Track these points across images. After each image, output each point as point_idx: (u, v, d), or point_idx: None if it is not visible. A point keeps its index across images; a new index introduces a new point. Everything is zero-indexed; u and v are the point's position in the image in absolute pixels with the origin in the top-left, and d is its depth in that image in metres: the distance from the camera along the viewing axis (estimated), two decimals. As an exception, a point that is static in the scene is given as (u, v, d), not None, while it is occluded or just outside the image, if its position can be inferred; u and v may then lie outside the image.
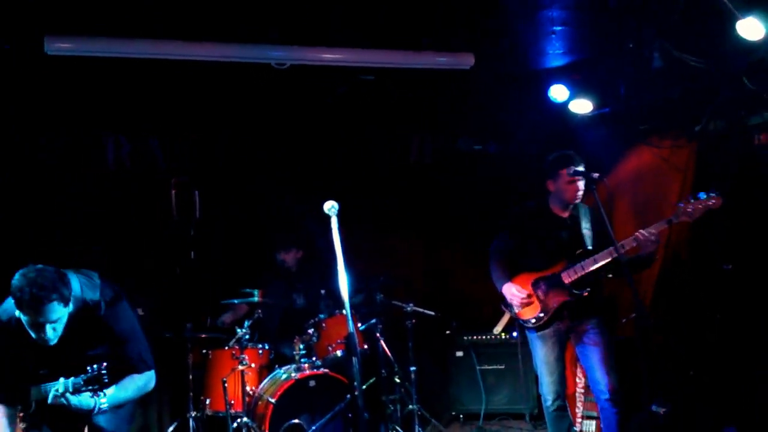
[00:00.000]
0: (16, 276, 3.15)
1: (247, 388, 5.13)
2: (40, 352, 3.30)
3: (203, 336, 5.53)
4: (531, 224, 4.60)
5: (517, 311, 4.51)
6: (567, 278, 4.35)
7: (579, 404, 5.38)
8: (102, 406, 3.31)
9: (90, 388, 3.19)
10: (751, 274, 4.87)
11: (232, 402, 5.04)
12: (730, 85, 5.11)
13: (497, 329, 4.76)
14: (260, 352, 5.40)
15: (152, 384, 3.57)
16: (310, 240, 6.02)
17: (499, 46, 5.35)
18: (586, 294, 4.35)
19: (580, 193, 4.45)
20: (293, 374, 5.12)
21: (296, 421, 4.99)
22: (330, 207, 3.39)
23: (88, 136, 5.83)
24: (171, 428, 5.48)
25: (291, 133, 6.42)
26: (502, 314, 4.68)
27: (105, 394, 3.31)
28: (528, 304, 4.43)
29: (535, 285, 4.46)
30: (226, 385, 4.93)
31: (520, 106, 6.22)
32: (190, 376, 5.22)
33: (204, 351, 5.38)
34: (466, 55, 5.27)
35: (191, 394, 5.22)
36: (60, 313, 3.18)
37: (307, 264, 6.11)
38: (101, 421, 3.44)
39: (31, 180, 5.41)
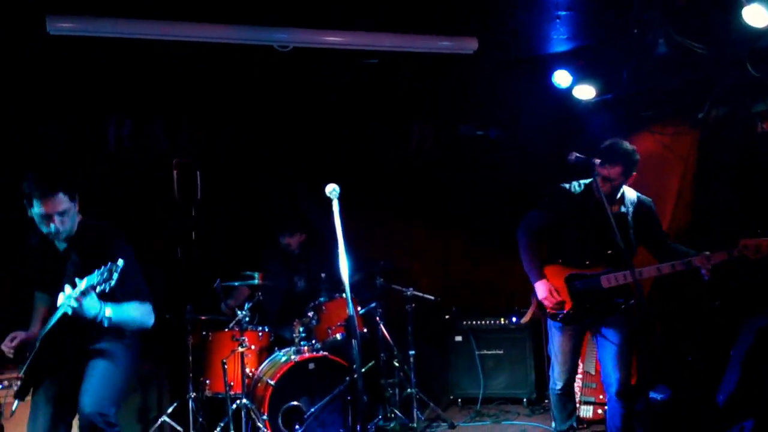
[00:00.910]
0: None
1: (247, 370, 5.15)
2: (57, 266, 3.51)
3: (203, 318, 5.56)
4: (577, 209, 4.30)
5: (546, 304, 4.32)
6: (607, 283, 4.17)
7: (577, 390, 5.41)
8: (107, 316, 3.41)
9: (103, 278, 3.24)
10: (752, 261, 4.84)
11: (232, 383, 5.06)
12: (733, 72, 5.08)
13: (525, 319, 4.64)
14: (260, 334, 5.43)
15: (152, 319, 3.66)
16: (311, 224, 6.02)
17: (503, 31, 5.32)
18: (623, 304, 4.17)
19: (604, 190, 4.12)
20: (293, 357, 5.14)
21: (295, 403, 5.02)
22: (331, 190, 3.40)
23: (89, 118, 5.82)
24: (170, 409, 5.51)
25: (292, 119, 6.40)
26: (531, 304, 4.48)
27: (110, 306, 3.43)
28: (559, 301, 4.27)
29: (569, 282, 4.27)
30: (225, 366, 4.96)
31: (523, 92, 6.19)
32: (190, 358, 5.25)
33: (204, 333, 5.40)
34: (470, 39, 5.25)
35: (191, 375, 5.25)
36: (66, 205, 3.41)
37: (308, 248, 6.12)
38: (100, 366, 3.51)
39: (30, 161, 5.40)
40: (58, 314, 3.39)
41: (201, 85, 5.79)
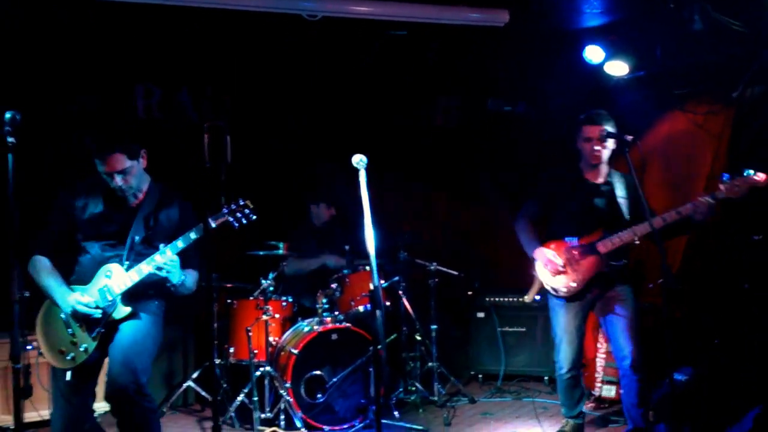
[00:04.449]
0: None
1: (270, 339, 5.20)
2: (124, 219, 3.61)
3: (228, 285, 5.61)
4: (562, 191, 4.46)
5: (547, 279, 4.38)
6: (603, 248, 4.23)
7: (599, 369, 5.39)
8: (184, 281, 3.59)
9: (187, 243, 3.46)
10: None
11: (256, 351, 5.12)
12: (770, 50, 4.97)
13: (528, 297, 4.64)
14: (284, 304, 5.47)
15: (195, 286, 3.76)
16: (338, 196, 6.03)
17: (535, 3, 5.23)
18: (622, 265, 4.27)
19: (599, 154, 4.32)
20: (316, 327, 5.18)
21: (318, 372, 5.06)
22: (359, 160, 3.38)
23: (118, 87, 5.85)
24: (195, 374, 5.60)
25: (319, 90, 6.38)
26: (533, 281, 4.52)
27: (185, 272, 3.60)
28: (561, 273, 4.32)
29: (568, 253, 4.33)
30: (250, 334, 5.00)
31: (553, 67, 6.10)
32: (215, 325, 5.30)
33: (229, 300, 5.46)
34: (501, 11, 5.18)
35: (216, 342, 5.31)
36: (126, 164, 3.50)
37: (336, 222, 6.14)
38: (130, 333, 3.54)
39: (59, 129, 5.44)
40: (142, 273, 3.48)
41: (230, 54, 5.78)
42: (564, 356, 4.41)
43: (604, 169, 4.44)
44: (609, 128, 4.28)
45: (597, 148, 4.32)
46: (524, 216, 4.59)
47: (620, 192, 4.37)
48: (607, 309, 4.36)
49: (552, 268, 4.32)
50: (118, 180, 3.52)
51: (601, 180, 4.43)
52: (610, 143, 4.34)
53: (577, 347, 4.41)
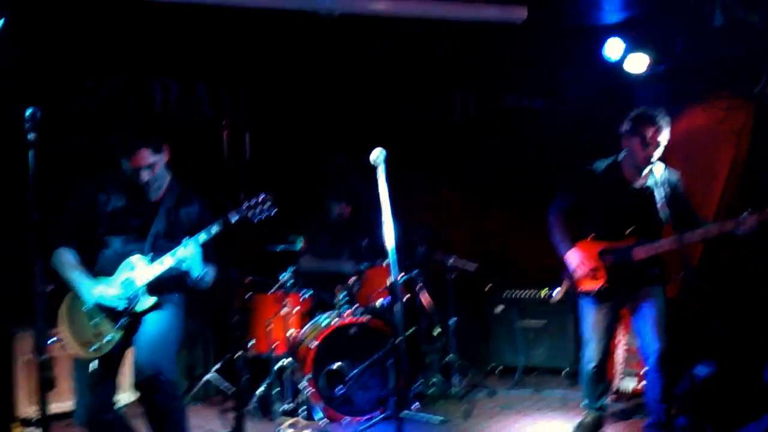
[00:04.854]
0: None
1: (290, 332, 5.25)
2: (147, 213, 3.65)
3: (248, 279, 5.68)
4: (600, 188, 4.27)
5: (577, 280, 4.30)
6: (639, 254, 4.13)
7: (619, 363, 5.38)
8: (203, 275, 3.63)
9: (209, 236, 3.52)
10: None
11: (275, 344, 5.17)
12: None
13: (557, 297, 4.61)
14: (302, 297, 5.52)
15: (213, 280, 3.79)
16: (356, 192, 6.05)
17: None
18: (656, 273, 4.17)
19: (654, 158, 4.09)
20: (335, 321, 5.22)
21: (337, 365, 5.11)
22: (377, 155, 3.40)
23: (135, 80, 5.91)
24: (216, 367, 5.67)
25: (337, 87, 6.40)
26: (563, 281, 4.44)
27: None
28: (592, 276, 4.24)
29: (602, 256, 4.22)
30: (269, 327, 5.05)
31: (571, 63, 6.09)
32: (235, 318, 5.36)
33: (248, 295, 5.52)
34: (519, 8, 5.18)
35: (237, 335, 5.37)
36: (152, 159, 3.55)
37: (353, 218, 6.16)
38: (154, 324, 3.60)
39: (77, 122, 5.51)
40: (165, 266, 3.54)
41: (247, 51, 5.83)
42: (591, 354, 4.39)
43: (646, 170, 4.19)
44: (666, 131, 4.07)
45: (653, 151, 4.09)
46: (557, 210, 4.43)
47: (663, 193, 4.08)
48: (637, 306, 4.29)
49: (582, 272, 4.25)
50: (146, 175, 3.57)
51: (643, 180, 4.20)
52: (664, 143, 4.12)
53: (605, 346, 4.39)
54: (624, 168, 4.26)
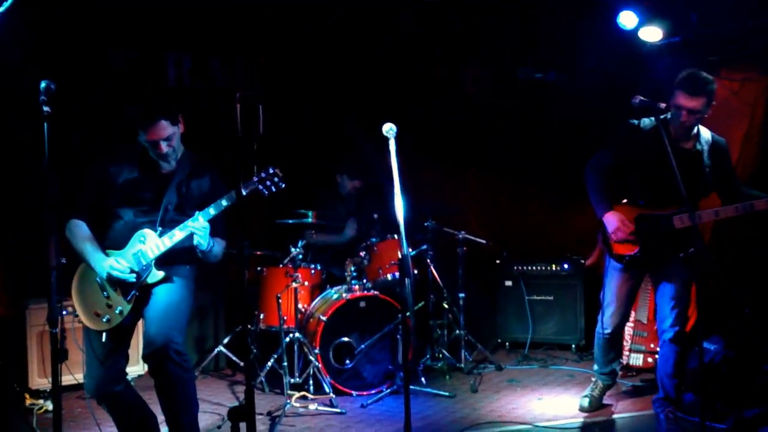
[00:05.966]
0: None
1: (300, 306, 5.27)
2: (160, 185, 3.65)
3: (258, 253, 5.68)
4: (643, 150, 4.08)
5: (612, 244, 4.20)
6: (679, 224, 3.99)
7: (627, 337, 5.38)
8: (212, 248, 3.64)
9: (219, 210, 3.52)
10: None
11: (285, 318, 5.19)
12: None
13: (590, 261, 4.55)
14: (313, 271, 5.52)
15: (222, 254, 3.80)
16: (366, 165, 6.03)
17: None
18: (690, 248, 3.95)
19: (688, 123, 3.98)
20: (344, 294, 5.23)
21: (346, 339, 5.13)
22: (388, 129, 3.37)
23: (149, 53, 5.87)
24: (226, 340, 5.71)
25: (349, 62, 6.34)
26: (596, 244, 4.38)
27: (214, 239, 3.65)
28: (627, 240, 4.13)
29: (639, 222, 4.09)
30: (280, 301, 5.07)
31: (585, 34, 5.99)
32: (246, 292, 5.38)
33: (259, 268, 5.53)
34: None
35: (247, 308, 5.39)
36: (169, 130, 3.55)
37: (363, 193, 6.15)
38: (164, 296, 3.61)
39: (90, 96, 5.49)
40: (175, 239, 3.55)
41: (259, 21, 5.77)
42: (609, 319, 4.35)
43: (694, 131, 4.09)
44: (706, 99, 3.94)
45: (688, 119, 3.99)
46: (596, 169, 4.24)
47: (708, 161, 4.02)
48: (660, 277, 4.24)
49: (620, 236, 4.12)
50: (164, 147, 3.56)
51: (689, 145, 4.07)
52: (706, 111, 3.98)
53: (624, 312, 4.36)
54: (671, 128, 4.08)
